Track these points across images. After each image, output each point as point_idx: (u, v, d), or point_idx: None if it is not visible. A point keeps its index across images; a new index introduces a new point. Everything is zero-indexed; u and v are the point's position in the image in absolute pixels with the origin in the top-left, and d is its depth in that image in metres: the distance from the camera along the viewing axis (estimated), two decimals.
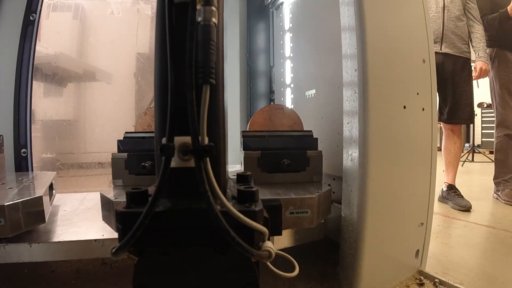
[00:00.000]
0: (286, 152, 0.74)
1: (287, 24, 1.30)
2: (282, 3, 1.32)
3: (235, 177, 0.48)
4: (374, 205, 0.63)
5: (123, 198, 0.58)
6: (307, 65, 1.12)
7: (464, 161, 3.51)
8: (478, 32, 1.59)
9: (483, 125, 4.52)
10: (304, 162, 0.75)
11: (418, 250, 0.75)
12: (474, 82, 1.66)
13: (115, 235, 0.59)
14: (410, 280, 0.73)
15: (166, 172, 0.34)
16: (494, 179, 1.73)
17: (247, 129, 0.88)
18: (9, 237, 0.56)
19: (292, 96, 1.26)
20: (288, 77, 1.30)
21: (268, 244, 0.36)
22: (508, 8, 1.63)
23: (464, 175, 2.67)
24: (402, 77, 0.67)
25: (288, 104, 1.28)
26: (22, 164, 1.09)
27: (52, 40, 1.79)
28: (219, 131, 0.40)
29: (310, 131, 0.81)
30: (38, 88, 1.72)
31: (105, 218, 0.62)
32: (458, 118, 1.60)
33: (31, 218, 0.59)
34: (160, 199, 0.34)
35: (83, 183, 1.81)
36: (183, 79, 0.34)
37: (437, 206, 1.51)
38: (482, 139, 4.56)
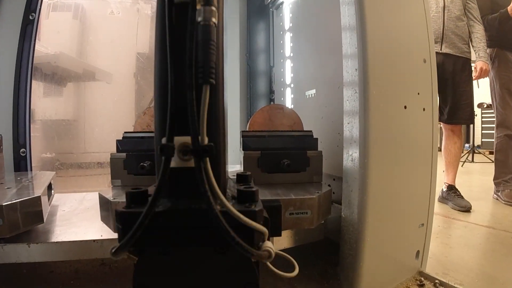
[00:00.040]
0: (286, 152, 0.74)
1: (287, 24, 1.29)
2: (282, 3, 1.32)
3: (235, 177, 0.48)
4: (375, 206, 0.63)
5: (121, 199, 0.57)
6: (307, 65, 1.12)
7: (464, 162, 3.52)
8: (479, 32, 1.59)
9: (483, 125, 4.52)
10: (304, 162, 0.75)
11: (418, 251, 0.74)
12: (475, 82, 1.66)
13: (114, 235, 0.60)
14: (411, 281, 0.72)
15: (166, 172, 0.34)
16: (494, 180, 1.73)
17: (247, 129, 0.88)
18: (7, 237, 0.56)
19: (292, 96, 1.26)
20: (288, 77, 1.29)
21: (268, 244, 0.36)
22: (509, 8, 1.63)
23: (464, 175, 2.67)
24: (402, 77, 0.67)
25: (288, 104, 1.27)
26: (21, 164, 1.08)
27: (52, 39, 1.79)
28: (219, 131, 0.40)
29: (310, 131, 0.81)
30: (38, 88, 1.72)
31: (104, 219, 0.62)
32: (458, 118, 1.60)
33: (30, 218, 0.58)
34: (160, 199, 0.34)
35: (83, 183, 1.81)
36: (183, 79, 0.34)
37: (437, 206, 1.51)
38: (482, 140, 4.57)
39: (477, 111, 4.00)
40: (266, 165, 0.74)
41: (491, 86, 1.77)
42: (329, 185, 0.85)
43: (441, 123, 1.66)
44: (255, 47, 1.45)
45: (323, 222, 0.69)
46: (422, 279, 0.73)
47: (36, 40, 1.13)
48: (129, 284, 0.37)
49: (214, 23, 0.34)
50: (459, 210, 1.48)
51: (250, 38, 1.44)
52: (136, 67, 1.95)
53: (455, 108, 1.58)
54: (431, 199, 0.75)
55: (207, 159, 0.34)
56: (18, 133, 1.08)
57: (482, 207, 1.56)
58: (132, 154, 0.70)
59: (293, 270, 0.40)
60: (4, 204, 0.54)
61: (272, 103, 1.44)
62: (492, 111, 1.88)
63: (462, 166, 3.23)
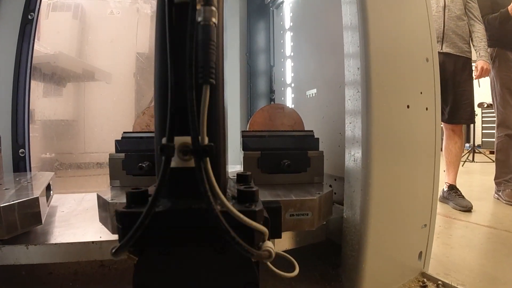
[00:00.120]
0: (287, 152, 0.73)
1: (287, 23, 1.29)
2: (282, 2, 1.32)
3: (235, 177, 0.47)
4: (378, 207, 0.62)
5: (120, 200, 0.57)
6: (308, 64, 1.12)
7: (465, 161, 3.51)
8: (479, 32, 1.58)
9: (483, 125, 4.52)
10: (304, 162, 0.74)
11: (421, 252, 0.74)
12: (476, 81, 1.65)
13: (113, 237, 0.59)
14: (413, 282, 0.72)
15: (166, 172, 0.34)
16: (495, 179, 1.73)
17: (247, 129, 0.88)
18: (5, 239, 0.55)
19: (293, 95, 1.26)
20: (288, 76, 1.29)
21: (268, 244, 0.36)
22: (509, 8, 1.63)
23: (465, 175, 2.66)
24: (405, 76, 0.66)
25: (289, 103, 1.27)
26: (20, 165, 1.08)
27: (52, 39, 1.78)
28: (219, 131, 0.40)
29: (311, 131, 0.80)
30: (37, 88, 1.71)
31: (102, 220, 0.61)
32: (459, 118, 1.59)
33: (28, 219, 0.58)
34: (160, 199, 0.34)
35: (82, 183, 1.80)
36: (183, 79, 0.34)
37: (438, 206, 1.50)
38: (483, 139, 4.56)
39: (477, 110, 4.00)
40: (266, 165, 0.73)
41: (492, 85, 1.77)
42: (330, 186, 0.85)
43: (442, 123, 1.65)
44: (255, 46, 1.44)
45: (324, 223, 0.69)
46: (425, 280, 0.73)
47: (36, 40, 1.12)
48: (129, 286, 0.37)
49: (214, 23, 0.34)
50: (460, 210, 1.48)
51: (250, 37, 1.43)
52: (136, 67, 1.94)
53: (455, 107, 1.58)
54: (434, 200, 0.74)
55: (207, 159, 0.34)
56: (17, 133, 1.08)
57: (483, 207, 1.55)
58: (131, 155, 0.69)
59: (293, 270, 0.40)
60: (1, 205, 0.53)
61: (272, 102, 1.43)
62: (493, 110, 1.88)
63: (462, 165, 3.23)
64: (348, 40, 0.65)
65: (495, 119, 1.79)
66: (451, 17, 1.55)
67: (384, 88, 0.62)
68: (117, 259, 0.35)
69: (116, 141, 0.72)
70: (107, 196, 0.60)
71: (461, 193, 1.58)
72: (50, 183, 0.81)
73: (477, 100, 1.90)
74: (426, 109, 0.70)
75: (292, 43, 1.26)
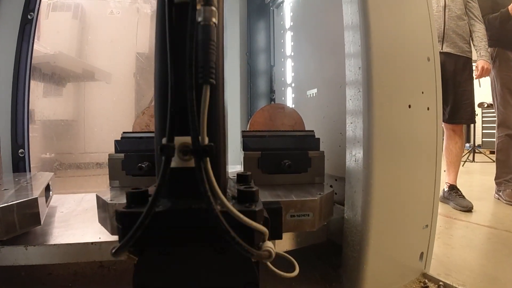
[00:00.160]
0: (287, 152, 0.73)
1: (287, 23, 1.29)
2: (282, 2, 1.31)
3: (235, 177, 0.47)
4: (379, 207, 0.62)
5: (119, 200, 0.57)
6: (308, 64, 1.11)
7: (465, 161, 3.51)
8: (480, 31, 1.58)
9: (483, 125, 4.51)
10: (305, 163, 0.74)
11: (422, 253, 0.73)
12: (476, 81, 1.65)
13: (112, 237, 0.59)
14: (414, 283, 0.72)
15: (166, 172, 0.34)
16: (495, 179, 1.73)
17: (247, 129, 0.87)
18: (4, 240, 0.55)
19: (293, 95, 1.25)
20: (289, 76, 1.29)
21: (268, 244, 0.36)
22: (509, 7, 1.62)
23: (465, 175, 2.66)
24: (406, 76, 0.66)
25: (289, 103, 1.27)
26: (20, 165, 1.07)
27: (52, 39, 1.78)
28: (219, 131, 0.40)
29: (312, 131, 0.80)
30: (37, 88, 1.71)
31: (101, 221, 0.61)
32: (460, 118, 1.59)
33: (26, 220, 0.58)
34: (160, 199, 0.34)
35: (82, 183, 1.80)
36: (183, 79, 0.34)
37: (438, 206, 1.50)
38: (483, 139, 4.56)
39: (478, 110, 3.99)
40: (267, 165, 0.73)
41: (492, 85, 1.77)
42: (330, 186, 0.84)
43: (442, 123, 1.65)
44: (256, 46, 1.44)
45: (325, 224, 0.68)
46: (426, 281, 0.73)
47: (36, 40, 1.12)
48: (128, 286, 0.37)
49: (214, 23, 0.34)
50: (460, 210, 1.47)
51: (250, 37, 1.43)
52: (136, 67, 1.94)
53: (456, 107, 1.58)
54: (435, 200, 0.74)
55: (207, 159, 0.34)
56: (16, 133, 1.07)
57: (484, 207, 1.55)
58: (131, 155, 0.69)
59: (293, 270, 0.40)
60: (0, 206, 0.53)
61: (272, 102, 1.43)
62: (493, 110, 1.88)
63: (463, 165, 3.22)
64: (349, 39, 0.65)
65: (495, 119, 1.79)
66: (451, 16, 1.55)
67: (386, 88, 0.61)
68: (117, 260, 0.35)
69: (116, 141, 0.72)
70: (106, 196, 0.59)
71: (461, 193, 1.57)
72: (50, 183, 0.81)
73: (477, 100, 1.90)
74: (428, 109, 0.70)
75: (292, 43, 1.26)
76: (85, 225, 0.69)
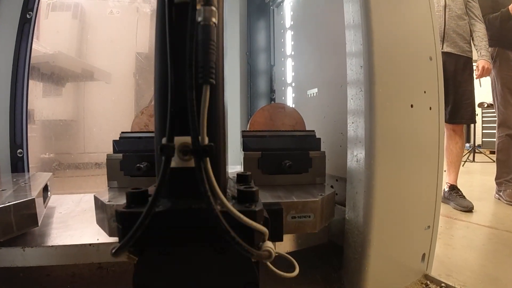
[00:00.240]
0: (288, 152, 0.72)
1: (288, 22, 1.28)
2: (282, 1, 1.31)
3: (235, 177, 0.47)
4: (381, 208, 0.61)
5: (117, 201, 0.56)
6: (309, 64, 1.11)
7: (465, 161, 3.51)
8: (480, 31, 1.58)
9: (483, 125, 4.51)
10: (306, 163, 0.73)
11: (424, 254, 0.73)
12: (477, 81, 1.65)
13: (110, 239, 0.58)
14: (416, 285, 0.71)
15: (166, 172, 0.34)
16: (496, 179, 1.72)
17: (248, 129, 0.87)
18: (1, 241, 0.54)
19: (294, 95, 1.25)
20: (289, 75, 1.28)
21: (268, 244, 0.36)
22: (510, 7, 1.62)
23: (465, 175, 2.66)
24: (409, 75, 0.65)
25: (289, 103, 1.26)
26: (18, 165, 1.07)
27: (51, 39, 1.77)
28: (219, 131, 0.40)
29: (313, 131, 0.79)
30: (37, 88, 1.70)
31: (99, 222, 0.60)
32: (460, 118, 1.59)
33: (24, 221, 0.57)
34: (160, 199, 0.34)
35: (81, 183, 1.80)
36: (183, 79, 0.34)
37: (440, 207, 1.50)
38: (483, 139, 4.56)
39: (478, 110, 3.99)
40: (267, 166, 0.72)
41: (493, 85, 1.76)
42: (331, 186, 0.84)
43: None
44: (256, 45, 1.43)
45: (326, 225, 0.68)
46: (428, 282, 0.72)
47: (35, 40, 1.11)
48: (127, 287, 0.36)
49: (214, 23, 0.34)
50: (461, 210, 1.47)
51: (250, 36, 1.42)
52: (136, 66, 1.94)
53: (456, 107, 1.57)
54: (438, 201, 0.73)
55: (207, 159, 0.34)
56: (15, 133, 1.07)
57: (484, 207, 1.55)
58: (129, 155, 0.68)
59: (293, 270, 0.40)
60: None
61: (272, 102, 1.42)
62: (493, 110, 1.87)
63: (463, 165, 3.22)
64: (350, 38, 0.64)
65: (495, 119, 1.78)
66: (452, 16, 1.55)
67: (388, 87, 0.61)
68: (115, 261, 0.35)
69: (114, 141, 0.71)
70: (105, 197, 0.59)
71: (462, 193, 1.57)
72: (48, 183, 0.80)
73: (477, 100, 1.89)
74: (430, 108, 0.69)
75: (292, 42, 1.25)
76: (83, 226, 0.69)
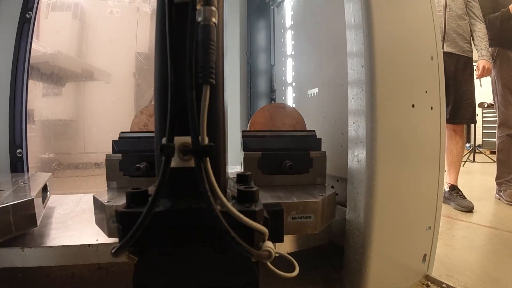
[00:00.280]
0: (288, 153, 0.72)
1: (288, 22, 1.28)
2: (283, 0, 1.31)
3: (235, 177, 0.47)
4: (382, 209, 0.61)
5: (116, 202, 0.56)
6: (309, 63, 1.10)
7: (465, 161, 3.51)
8: (480, 31, 1.57)
9: (483, 125, 4.51)
10: (307, 163, 0.73)
11: (425, 255, 0.73)
12: (477, 81, 1.65)
13: (109, 239, 0.58)
14: (417, 286, 0.71)
15: (166, 172, 0.34)
16: (496, 180, 1.72)
17: (248, 129, 0.86)
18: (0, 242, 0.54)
19: (294, 95, 1.24)
20: (289, 75, 1.28)
21: (268, 244, 0.36)
22: (510, 7, 1.62)
23: (466, 175, 2.66)
24: (410, 74, 0.65)
25: (290, 103, 1.26)
26: (18, 165, 1.06)
27: (51, 39, 1.77)
28: (219, 131, 0.40)
29: (313, 131, 0.79)
30: (37, 88, 1.70)
31: (98, 222, 0.60)
32: (461, 118, 1.59)
33: (22, 221, 0.56)
34: (160, 199, 0.34)
35: (81, 184, 1.79)
36: (183, 79, 0.34)
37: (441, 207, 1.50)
38: (483, 139, 4.56)
39: (478, 110, 3.99)
40: (267, 166, 0.72)
41: (493, 85, 1.76)
42: (332, 187, 0.83)
43: None
44: (256, 45, 1.43)
45: (327, 226, 0.67)
46: (429, 283, 0.72)
47: (35, 40, 1.11)
48: None
49: (214, 23, 0.34)
50: (461, 211, 1.47)
51: (250, 36, 1.42)
52: (135, 66, 1.93)
53: (457, 107, 1.57)
54: (439, 201, 0.73)
55: (207, 159, 0.34)
56: (14, 133, 1.06)
57: (485, 207, 1.55)
58: (128, 155, 0.68)
59: (293, 270, 0.40)
60: None
61: (273, 102, 1.42)
62: (493, 110, 1.87)
63: (463, 166, 3.22)
64: (351, 38, 0.64)
65: (495, 119, 1.78)
66: (452, 16, 1.55)
67: (389, 87, 0.60)
68: (115, 261, 0.34)
69: (113, 141, 0.71)
70: (104, 198, 0.58)
71: (462, 194, 1.57)
72: (47, 184, 0.80)
73: (477, 100, 1.89)
74: (431, 108, 0.69)
75: (293, 42, 1.25)
76: (82, 226, 0.68)
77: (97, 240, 0.59)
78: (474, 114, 1.63)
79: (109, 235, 0.55)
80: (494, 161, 1.84)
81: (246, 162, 0.71)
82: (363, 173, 0.61)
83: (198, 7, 0.34)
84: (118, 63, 1.92)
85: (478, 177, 2.73)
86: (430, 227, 0.72)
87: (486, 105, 3.64)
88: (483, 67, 1.58)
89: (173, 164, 0.35)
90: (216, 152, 0.38)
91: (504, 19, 1.66)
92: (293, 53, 1.25)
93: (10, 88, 1.06)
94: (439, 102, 0.70)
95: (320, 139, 0.76)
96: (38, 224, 0.61)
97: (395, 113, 0.62)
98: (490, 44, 1.62)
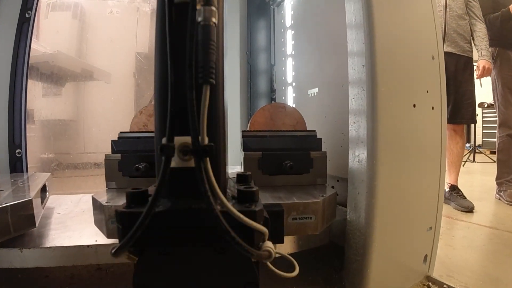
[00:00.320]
0: (288, 153, 0.72)
1: (288, 21, 1.28)
2: (283, 0, 1.30)
3: (235, 177, 0.47)
4: (383, 209, 0.60)
5: (115, 202, 0.55)
6: (309, 63, 1.10)
7: (465, 161, 3.51)
8: (481, 31, 1.57)
9: (483, 125, 4.51)
10: (307, 163, 0.72)
11: (426, 255, 0.72)
12: (477, 81, 1.65)
13: (108, 240, 0.57)
14: (418, 286, 0.71)
15: (166, 172, 0.34)
16: (496, 180, 1.72)
17: (248, 129, 0.86)
18: None
19: (294, 95, 1.24)
20: (289, 75, 1.28)
21: (268, 244, 0.36)
22: (510, 7, 1.62)
23: (466, 175, 2.66)
24: (411, 74, 0.65)
25: (290, 103, 1.26)
26: (17, 165, 1.06)
27: (51, 39, 1.77)
28: (219, 131, 0.40)
29: (314, 131, 0.78)
30: (36, 88, 1.70)
31: (97, 223, 0.59)
32: (461, 118, 1.58)
33: (21, 222, 0.56)
34: (160, 199, 0.34)
35: (80, 184, 1.79)
36: (183, 79, 0.34)
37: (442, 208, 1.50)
38: (483, 139, 4.56)
39: (478, 110, 3.99)
40: (268, 166, 0.71)
41: (493, 85, 1.76)
42: (332, 187, 0.83)
43: None
44: (256, 45, 1.43)
45: (327, 226, 0.67)
46: (430, 284, 0.72)
47: (35, 40, 1.11)
48: None
49: (214, 23, 0.34)
50: (461, 211, 1.47)
51: (250, 36, 1.42)
52: (135, 66, 1.93)
53: (457, 107, 1.57)
54: (440, 202, 0.73)
55: (207, 159, 0.34)
56: (13, 133, 1.06)
57: (485, 207, 1.55)
58: (128, 155, 0.68)
59: (293, 270, 0.40)
60: None
61: (273, 102, 1.42)
62: (493, 110, 1.87)
63: (463, 166, 3.22)
64: (352, 37, 0.64)
65: (495, 119, 1.78)
66: (452, 16, 1.55)
67: (390, 86, 0.60)
68: (114, 262, 0.34)
69: (112, 141, 0.70)
70: (103, 198, 0.58)
71: (462, 194, 1.57)
72: (46, 184, 0.80)
73: (477, 100, 1.89)
74: (432, 108, 0.68)
75: (293, 42, 1.24)
76: (82, 226, 0.68)
77: (96, 240, 0.59)
78: (474, 114, 1.63)
79: (108, 236, 0.55)
80: (494, 161, 1.84)
81: (246, 162, 0.71)
82: (364, 173, 0.61)
83: (198, 7, 0.34)
84: (118, 63, 1.91)
85: (478, 177, 2.73)
86: (431, 228, 0.71)
87: (486, 105, 3.64)
88: (483, 67, 1.58)
89: (173, 164, 0.35)
90: (216, 152, 0.38)
91: (504, 19, 1.65)
92: (293, 52, 1.25)
93: (10, 87, 1.05)
94: (440, 102, 0.70)
95: (320, 139, 0.76)
96: (37, 225, 0.60)
97: (396, 113, 0.62)
98: (490, 44, 1.62)
